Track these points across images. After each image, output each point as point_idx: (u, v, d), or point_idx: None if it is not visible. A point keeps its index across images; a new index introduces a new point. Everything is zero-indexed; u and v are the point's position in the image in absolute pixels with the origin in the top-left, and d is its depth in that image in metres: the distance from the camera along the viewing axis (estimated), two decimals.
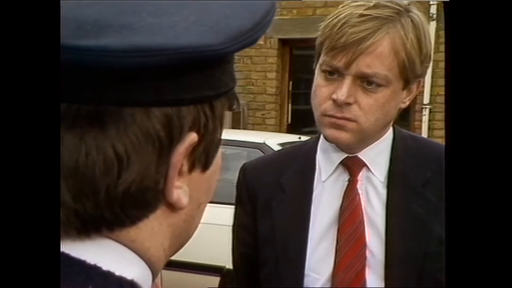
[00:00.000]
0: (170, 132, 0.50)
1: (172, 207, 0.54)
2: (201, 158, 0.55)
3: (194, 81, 0.51)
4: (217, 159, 0.58)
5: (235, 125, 6.62)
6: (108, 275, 0.51)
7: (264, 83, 7.01)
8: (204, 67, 0.51)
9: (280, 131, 6.74)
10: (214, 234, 3.95)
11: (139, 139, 0.49)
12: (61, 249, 0.50)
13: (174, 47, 0.47)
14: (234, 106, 0.58)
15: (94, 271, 0.50)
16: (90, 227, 0.51)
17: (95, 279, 0.50)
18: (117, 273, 0.51)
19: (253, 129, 6.81)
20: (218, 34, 0.49)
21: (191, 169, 0.54)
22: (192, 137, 0.52)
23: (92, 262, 0.50)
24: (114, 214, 0.51)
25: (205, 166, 0.56)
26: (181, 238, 0.59)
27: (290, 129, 6.83)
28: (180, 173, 0.53)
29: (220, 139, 0.57)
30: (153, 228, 0.54)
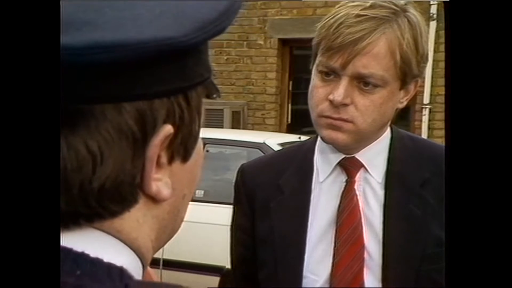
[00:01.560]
0: (143, 126, 0.50)
1: (154, 199, 0.54)
2: (180, 150, 0.54)
3: (164, 74, 0.50)
4: (198, 150, 0.58)
5: (235, 125, 6.63)
6: (96, 262, 0.50)
7: (264, 83, 7.01)
8: (173, 59, 0.50)
9: (280, 131, 6.75)
10: (214, 234, 3.96)
11: (112, 135, 0.49)
12: None
13: (137, 42, 0.46)
14: (214, 95, 0.57)
15: (81, 258, 0.50)
16: (67, 220, 0.51)
17: (83, 266, 0.49)
18: (105, 260, 0.51)
19: (253, 129, 6.81)
20: (183, 26, 0.48)
21: (170, 160, 0.54)
22: (167, 129, 0.51)
23: (79, 250, 0.50)
24: (90, 208, 0.51)
25: (185, 157, 0.56)
26: (168, 230, 0.59)
27: (290, 129, 6.84)
28: (159, 165, 0.53)
29: (199, 130, 0.57)
30: (138, 219, 0.54)
